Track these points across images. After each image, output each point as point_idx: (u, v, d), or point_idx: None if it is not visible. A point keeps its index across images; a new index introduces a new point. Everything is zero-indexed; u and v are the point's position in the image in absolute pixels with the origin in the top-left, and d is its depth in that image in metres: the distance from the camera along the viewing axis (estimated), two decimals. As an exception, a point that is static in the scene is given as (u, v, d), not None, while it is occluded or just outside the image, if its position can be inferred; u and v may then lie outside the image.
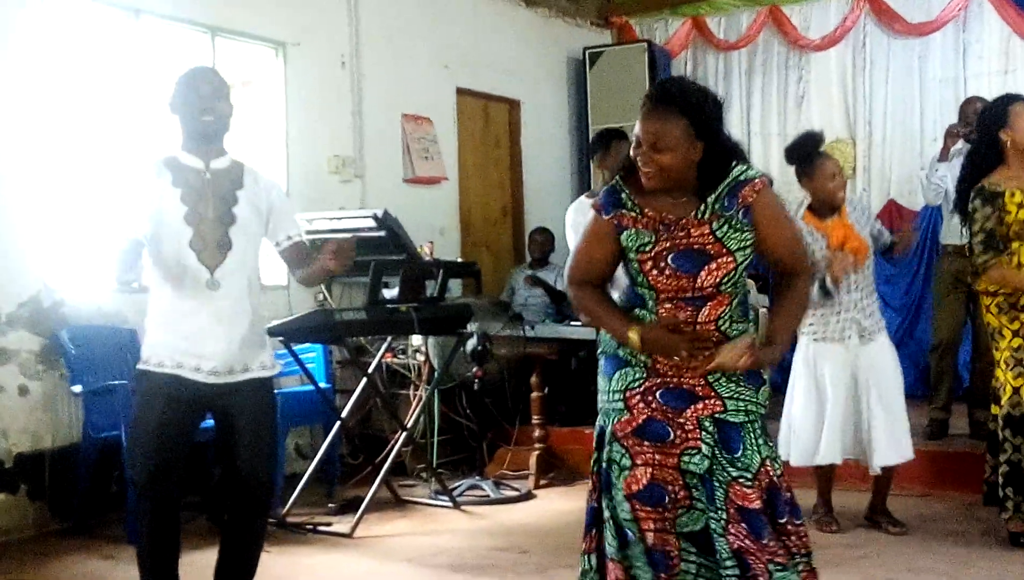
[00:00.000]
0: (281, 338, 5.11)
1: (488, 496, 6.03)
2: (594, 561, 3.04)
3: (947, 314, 6.24)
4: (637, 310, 2.91)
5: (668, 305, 2.86)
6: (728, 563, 2.79)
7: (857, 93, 8.71)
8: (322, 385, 5.94)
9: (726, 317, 2.85)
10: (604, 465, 2.92)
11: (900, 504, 5.15)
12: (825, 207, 4.84)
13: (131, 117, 5.92)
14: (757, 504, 2.79)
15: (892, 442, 4.82)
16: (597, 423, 3.00)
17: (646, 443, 2.85)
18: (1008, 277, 4.55)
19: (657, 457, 2.84)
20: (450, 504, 5.84)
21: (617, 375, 2.92)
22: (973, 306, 6.20)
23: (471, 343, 5.97)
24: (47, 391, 5.44)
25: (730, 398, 2.84)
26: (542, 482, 6.38)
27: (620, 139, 5.47)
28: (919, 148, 8.25)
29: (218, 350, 3.49)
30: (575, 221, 5.46)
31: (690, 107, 2.79)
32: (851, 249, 4.75)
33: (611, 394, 2.93)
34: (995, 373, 4.70)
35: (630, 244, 2.88)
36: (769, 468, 2.85)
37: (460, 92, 8.27)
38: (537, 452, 6.45)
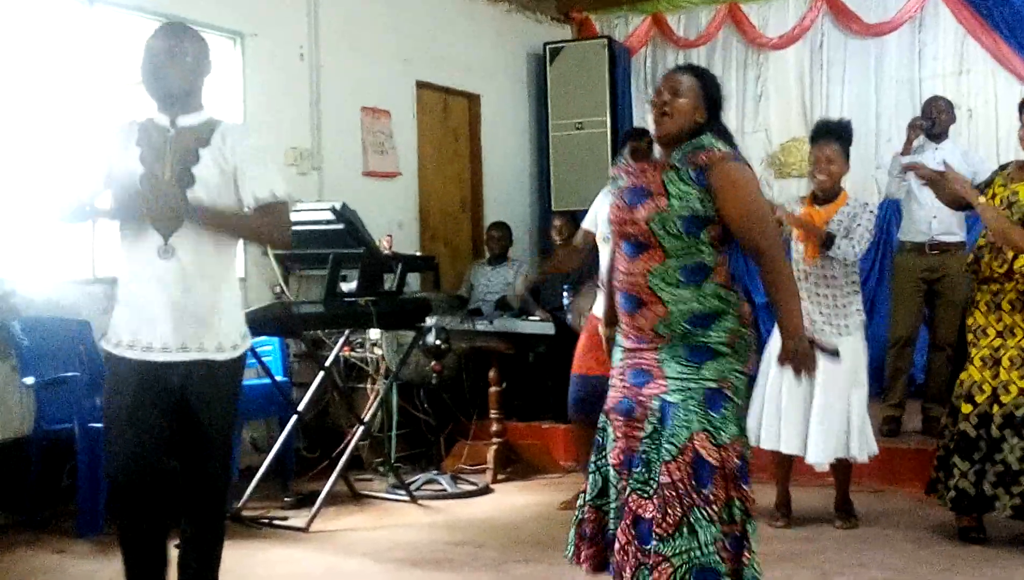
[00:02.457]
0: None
1: (445, 490, 6.02)
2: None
3: (905, 310, 6.31)
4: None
5: (618, 255, 3.22)
6: (628, 518, 3.06)
7: (814, 92, 8.78)
8: (279, 378, 5.90)
9: (657, 274, 3.08)
10: (599, 433, 3.28)
11: (854, 500, 5.19)
12: (817, 194, 4.94)
13: (83, 106, 5.84)
14: (677, 475, 3.01)
15: (823, 440, 4.83)
16: None
17: (619, 418, 3.18)
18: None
19: (626, 429, 3.15)
20: (407, 498, 5.82)
21: (613, 354, 3.31)
22: (931, 303, 6.29)
23: (429, 337, 5.95)
24: (-2, 383, 5.35)
25: (673, 378, 3.09)
26: (500, 476, 6.39)
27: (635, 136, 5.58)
28: (874, 148, 8.32)
29: (167, 324, 3.18)
30: (604, 192, 5.47)
31: (703, 76, 3.26)
32: (800, 237, 4.82)
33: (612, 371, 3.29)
34: (966, 371, 4.69)
35: (611, 186, 3.31)
36: (696, 441, 3.02)
37: (420, 85, 8.25)
38: (495, 446, 6.46)
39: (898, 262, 6.48)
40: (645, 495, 3.05)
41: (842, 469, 5.04)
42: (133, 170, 3.19)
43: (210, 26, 6.54)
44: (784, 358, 3.12)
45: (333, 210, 5.49)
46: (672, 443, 3.02)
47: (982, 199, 4.58)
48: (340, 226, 5.51)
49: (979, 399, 4.60)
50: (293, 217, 5.55)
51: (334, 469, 5.61)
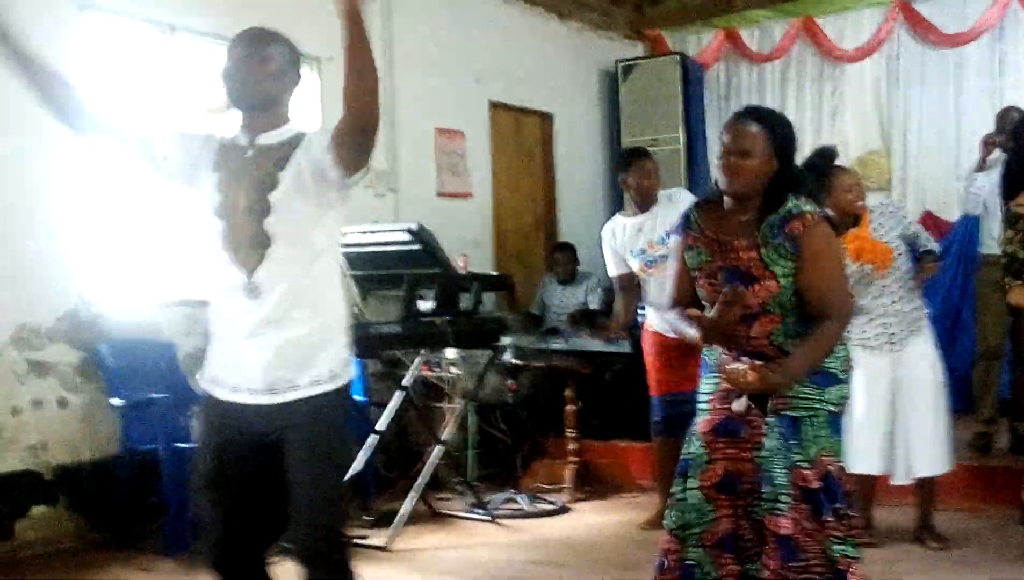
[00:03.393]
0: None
1: (523, 509, 6.02)
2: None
3: (991, 324, 6.19)
4: None
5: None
6: (771, 540, 2.99)
7: (892, 104, 8.67)
8: (358, 398, 5.95)
9: (779, 332, 3.08)
10: (686, 456, 3.21)
11: (942, 519, 5.08)
12: (846, 220, 4.81)
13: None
14: (816, 485, 3.00)
15: (921, 453, 4.75)
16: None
17: (721, 440, 3.13)
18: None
19: (730, 451, 3.12)
20: (486, 517, 5.83)
21: (705, 380, 3.25)
22: (1015, 317, 6.15)
23: (505, 356, 5.97)
24: (86, 404, 5.48)
25: (793, 396, 3.06)
26: (577, 495, 6.36)
27: (640, 157, 5.56)
28: (955, 159, 8.17)
29: (254, 365, 2.82)
30: (607, 238, 5.52)
31: (771, 122, 3.12)
32: (868, 261, 4.70)
33: (700, 396, 3.25)
34: None
35: (691, 262, 3.19)
36: (826, 458, 3.04)
37: (493, 105, 8.30)
38: (572, 465, 6.44)
39: (981, 276, 6.36)
40: (779, 512, 2.99)
41: (927, 487, 4.93)
42: (211, 199, 2.87)
43: (288, 52, 6.65)
44: (758, 372, 2.96)
45: (409, 231, 5.54)
46: (802, 454, 3.02)
47: None
48: (416, 247, 5.56)
49: None
50: (370, 238, 5.70)
51: (413, 488, 5.63)
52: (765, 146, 3.05)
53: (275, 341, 2.81)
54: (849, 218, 4.77)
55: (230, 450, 2.84)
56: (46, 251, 5.36)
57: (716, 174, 3.14)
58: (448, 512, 6.02)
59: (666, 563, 3.16)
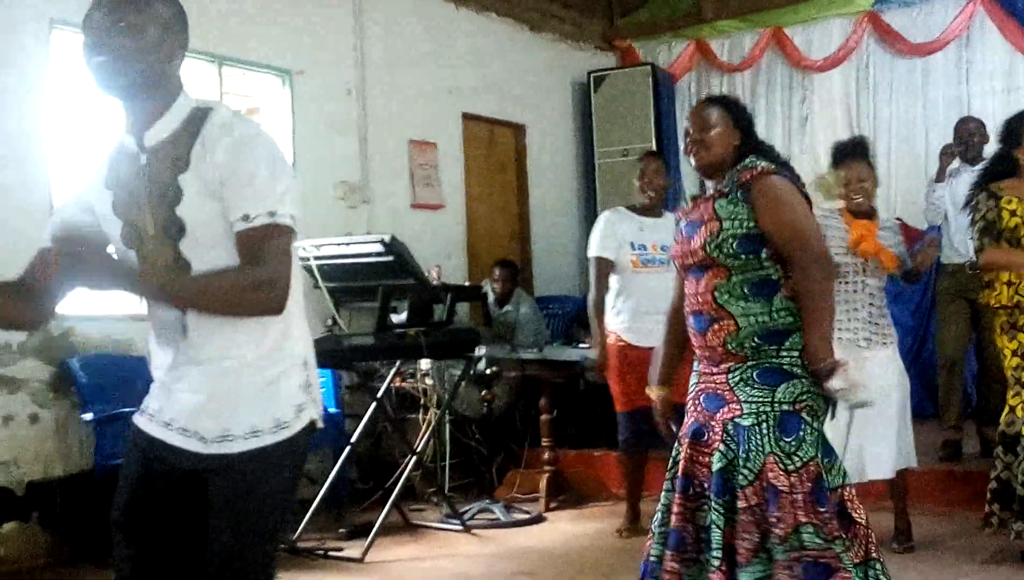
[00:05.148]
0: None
1: (498, 519, 6.03)
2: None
3: (951, 331, 6.25)
4: None
5: (685, 281, 3.25)
6: (716, 551, 2.99)
7: (861, 113, 8.76)
8: (331, 410, 5.95)
9: (723, 290, 3.11)
10: (671, 461, 3.25)
11: (912, 523, 5.12)
12: (854, 209, 4.88)
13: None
14: (753, 501, 2.99)
15: (875, 456, 4.75)
16: None
17: (690, 442, 3.16)
18: (999, 259, 4.57)
19: (692, 453, 3.14)
20: (461, 528, 5.84)
21: (691, 379, 3.28)
22: (978, 322, 6.22)
23: (479, 367, 5.98)
24: (58, 419, 5.46)
25: (746, 401, 3.06)
26: (552, 505, 6.37)
27: (646, 156, 5.80)
28: (924, 166, 8.25)
29: (184, 407, 2.31)
30: (610, 219, 5.58)
31: (723, 100, 3.38)
32: (864, 250, 4.74)
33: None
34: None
35: (676, 228, 3.33)
36: (771, 466, 2.98)
37: (466, 117, 8.32)
38: (547, 475, 6.45)
39: (940, 285, 6.43)
40: (746, 485, 3.02)
41: (899, 484, 4.96)
42: (113, 224, 2.30)
43: (259, 65, 6.68)
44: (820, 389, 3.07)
45: (382, 243, 5.55)
46: (748, 468, 3.00)
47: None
48: (390, 258, 5.57)
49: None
50: (343, 250, 5.70)
51: (388, 499, 5.64)
52: (723, 119, 3.23)
53: (206, 384, 2.28)
54: (859, 211, 4.83)
55: (152, 485, 2.35)
56: (18, 265, 5.32)
57: (687, 160, 3.29)
58: (423, 523, 6.02)
59: (648, 567, 3.20)
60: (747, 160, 3.19)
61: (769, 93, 9.13)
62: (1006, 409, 4.67)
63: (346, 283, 5.86)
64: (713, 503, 3.03)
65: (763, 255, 3.09)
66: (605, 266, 5.46)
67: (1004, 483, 4.58)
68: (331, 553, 5.36)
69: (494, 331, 6.99)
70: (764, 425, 3.02)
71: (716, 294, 3.10)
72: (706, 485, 3.08)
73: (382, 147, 7.50)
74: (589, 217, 9.28)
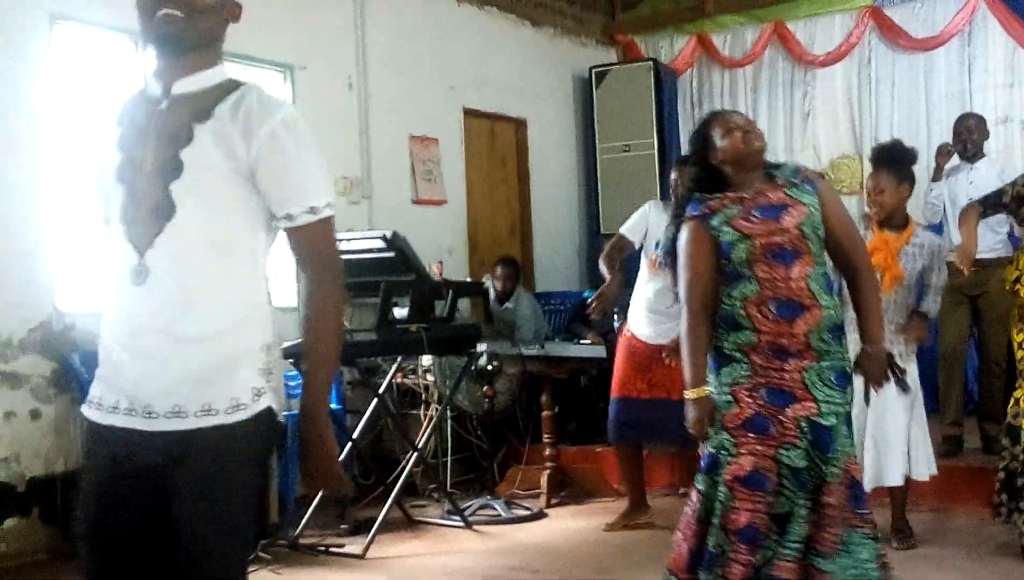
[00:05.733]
0: (291, 360, 5.12)
1: (500, 516, 6.02)
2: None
3: (951, 326, 6.24)
4: (737, 299, 3.26)
5: (764, 265, 3.21)
6: (795, 543, 3.14)
7: (863, 109, 8.73)
8: (333, 406, 5.94)
9: (814, 278, 3.22)
10: (713, 449, 3.26)
11: (914, 520, 5.13)
12: (891, 220, 4.85)
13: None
14: (847, 494, 3.19)
15: (891, 462, 4.77)
16: None
17: (751, 435, 3.20)
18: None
19: (759, 447, 3.18)
20: (462, 524, 5.83)
21: (725, 370, 3.29)
22: (977, 320, 6.22)
23: (481, 362, 5.98)
24: (59, 415, 5.45)
25: (824, 402, 3.19)
26: (553, 501, 6.37)
27: (682, 164, 5.59)
28: (926, 162, 8.19)
29: (132, 374, 2.16)
30: (651, 209, 5.50)
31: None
32: (875, 262, 4.69)
33: (720, 387, 3.29)
34: (1020, 389, 4.69)
35: (719, 221, 3.29)
36: (851, 463, 3.24)
37: (467, 112, 8.31)
38: (548, 471, 6.45)
39: None
40: (837, 481, 3.19)
41: (899, 489, 4.97)
42: (111, 161, 2.24)
43: (260, 60, 6.66)
44: (861, 364, 3.34)
45: (384, 238, 5.54)
46: (836, 466, 3.17)
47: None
48: (391, 254, 5.56)
49: None
50: (344, 246, 5.68)
51: (389, 496, 5.63)
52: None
53: (160, 345, 2.14)
54: (892, 222, 4.84)
55: (113, 489, 2.20)
56: (18, 264, 5.34)
57: (733, 147, 3.36)
58: (424, 519, 6.01)
59: (709, 558, 3.23)
60: (794, 163, 3.46)
61: (771, 88, 9.10)
62: (1011, 401, 4.67)
63: (347, 279, 5.83)
64: (799, 498, 3.16)
65: (823, 248, 3.32)
66: (623, 244, 5.46)
67: (1011, 474, 4.62)
68: (332, 549, 5.36)
69: (495, 327, 6.98)
70: (843, 426, 3.22)
71: (809, 282, 3.22)
72: (784, 481, 3.17)
73: (383, 142, 7.49)
74: (591, 213, 9.29)
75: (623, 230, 5.50)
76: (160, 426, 2.13)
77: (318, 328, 2.26)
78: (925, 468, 4.87)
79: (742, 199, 3.32)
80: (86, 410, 2.27)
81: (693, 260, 3.34)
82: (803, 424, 3.16)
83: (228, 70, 2.32)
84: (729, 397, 3.25)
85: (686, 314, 3.36)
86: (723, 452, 3.23)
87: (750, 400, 3.22)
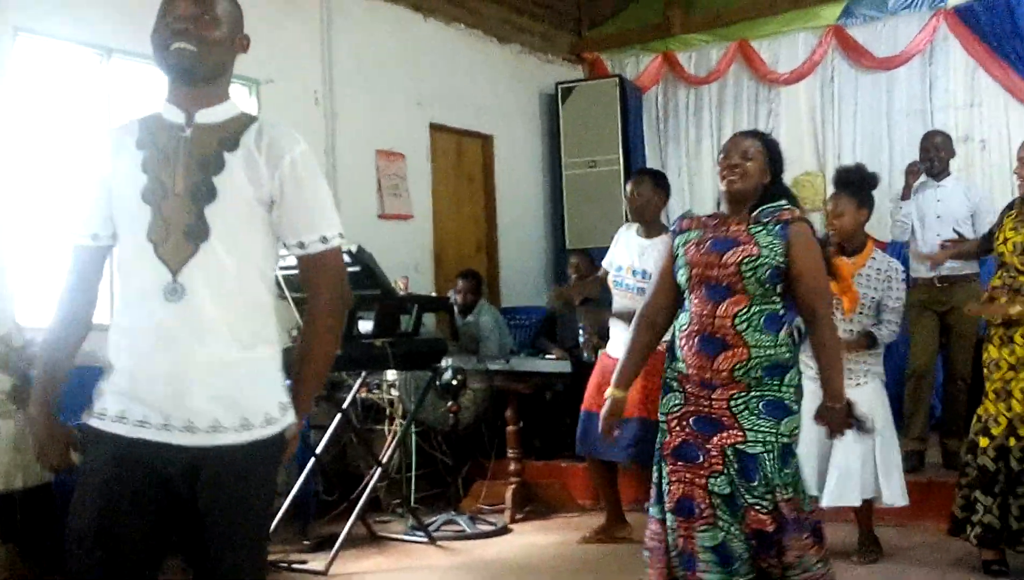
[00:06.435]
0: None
1: (464, 531, 6.01)
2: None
3: (921, 344, 6.29)
4: (677, 328, 3.39)
5: (695, 297, 3.30)
6: (742, 568, 3.21)
7: (826, 126, 8.80)
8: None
9: (743, 318, 3.22)
10: (655, 481, 3.39)
11: (876, 535, 5.16)
12: (847, 246, 4.86)
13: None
14: (771, 528, 3.19)
15: (847, 482, 4.78)
16: None
17: (680, 463, 3.28)
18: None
19: (687, 475, 3.26)
20: (426, 539, 5.81)
21: (663, 399, 3.40)
22: (944, 336, 6.28)
23: (445, 377, 5.97)
24: (19, 430, 5.37)
25: (750, 430, 3.21)
26: (518, 516, 6.37)
27: (635, 175, 5.76)
28: (888, 179, 8.29)
29: (167, 389, 2.28)
30: (619, 234, 5.56)
31: (767, 141, 3.52)
32: (837, 289, 4.72)
33: (660, 416, 3.41)
34: (983, 405, 4.71)
35: (680, 241, 3.41)
36: (779, 495, 3.21)
37: (434, 128, 8.32)
38: (513, 486, 6.45)
39: (911, 298, 6.45)
40: (764, 511, 3.22)
41: (864, 507, 4.99)
42: (133, 181, 2.32)
43: (225, 74, 6.62)
44: (822, 416, 3.37)
45: (349, 253, 5.52)
46: (762, 496, 3.20)
47: None
48: (356, 269, 5.54)
49: (995, 432, 4.60)
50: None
51: (352, 511, 5.61)
52: (762, 157, 3.40)
53: (197, 359, 2.26)
54: (850, 246, 4.84)
55: (121, 490, 2.28)
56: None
57: (718, 183, 3.42)
58: (388, 535, 5.99)
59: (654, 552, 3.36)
60: (783, 201, 3.37)
61: (736, 105, 9.16)
62: (974, 419, 4.71)
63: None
64: (733, 526, 3.22)
65: (778, 290, 3.27)
66: (602, 273, 5.57)
67: (970, 487, 4.67)
68: (295, 566, 5.32)
69: (461, 343, 6.98)
70: (771, 455, 3.20)
71: (736, 321, 3.23)
72: (718, 511, 3.22)
73: (349, 157, 7.48)
74: (557, 228, 9.32)
75: (603, 261, 5.59)
76: (200, 441, 2.26)
77: (314, 352, 2.44)
78: (900, 498, 4.87)
79: (707, 226, 3.40)
80: (98, 423, 2.36)
81: (660, 269, 3.51)
82: (728, 452, 3.22)
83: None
84: (664, 426, 3.37)
85: (635, 317, 3.51)
86: (664, 480, 3.35)
87: (679, 429, 3.31)
